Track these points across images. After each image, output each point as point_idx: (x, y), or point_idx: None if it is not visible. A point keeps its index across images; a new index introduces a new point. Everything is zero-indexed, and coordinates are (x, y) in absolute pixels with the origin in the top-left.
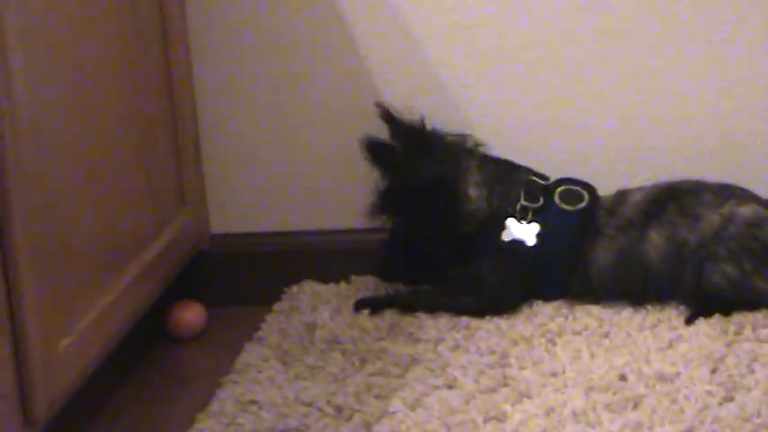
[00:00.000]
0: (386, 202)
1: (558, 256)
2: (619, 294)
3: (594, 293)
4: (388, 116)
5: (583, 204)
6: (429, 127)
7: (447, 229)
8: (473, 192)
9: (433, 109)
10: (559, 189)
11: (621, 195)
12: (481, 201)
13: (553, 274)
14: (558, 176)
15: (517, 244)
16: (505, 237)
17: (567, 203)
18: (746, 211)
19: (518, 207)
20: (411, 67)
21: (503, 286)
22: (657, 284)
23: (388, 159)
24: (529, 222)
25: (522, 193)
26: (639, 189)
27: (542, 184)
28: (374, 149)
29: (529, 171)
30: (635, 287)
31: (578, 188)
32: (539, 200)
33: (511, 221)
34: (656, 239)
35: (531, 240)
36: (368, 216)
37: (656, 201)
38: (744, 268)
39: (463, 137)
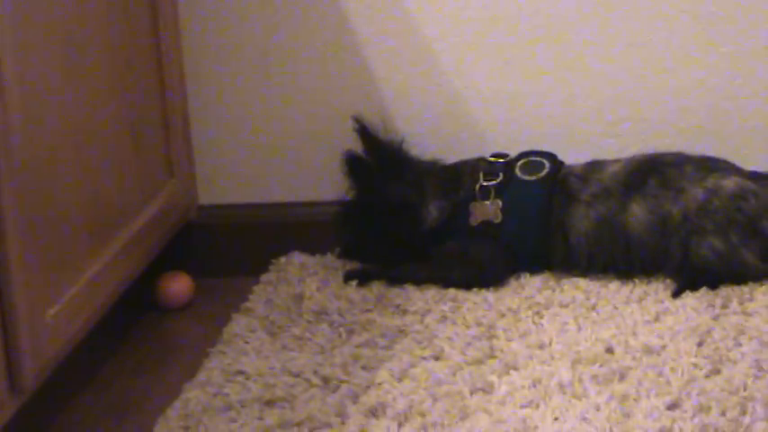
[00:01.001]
0: (350, 213)
1: (528, 225)
2: (602, 264)
3: (578, 263)
4: (363, 132)
5: (543, 174)
6: (404, 147)
7: (407, 241)
8: (434, 210)
9: (423, 83)
10: (520, 162)
11: (595, 165)
12: (442, 211)
13: (528, 243)
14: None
15: (486, 224)
16: (473, 221)
17: (526, 174)
18: (730, 183)
19: (477, 188)
20: (402, 42)
21: (488, 261)
22: (642, 256)
23: (363, 177)
24: (491, 201)
25: (481, 175)
26: (616, 160)
27: (501, 162)
28: (352, 165)
29: (485, 158)
30: (618, 257)
31: (539, 158)
32: (498, 177)
33: (473, 205)
34: (637, 211)
35: (497, 218)
36: (333, 226)
37: (636, 172)
38: (731, 241)
39: (433, 162)
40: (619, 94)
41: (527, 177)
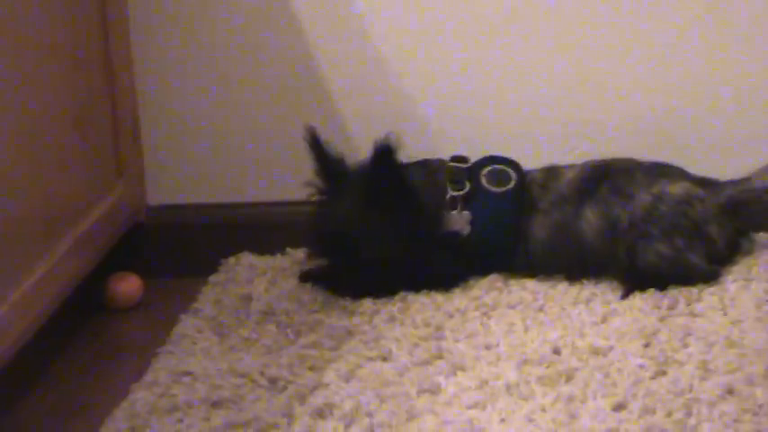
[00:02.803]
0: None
1: (497, 237)
2: (556, 270)
3: (534, 269)
4: (314, 142)
5: (511, 185)
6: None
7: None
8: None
9: (372, 83)
10: (484, 170)
11: (553, 171)
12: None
13: (494, 254)
14: (491, 152)
15: (454, 235)
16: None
17: (494, 185)
18: (677, 189)
19: (447, 198)
20: (351, 42)
21: (451, 275)
22: (593, 261)
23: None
24: (460, 212)
25: (449, 184)
26: (572, 166)
27: (464, 168)
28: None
29: (445, 161)
30: (572, 263)
31: (503, 167)
32: (464, 185)
33: (444, 216)
34: (590, 217)
35: (465, 229)
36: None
37: (589, 179)
38: (676, 245)
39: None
40: (572, 97)
41: (495, 189)
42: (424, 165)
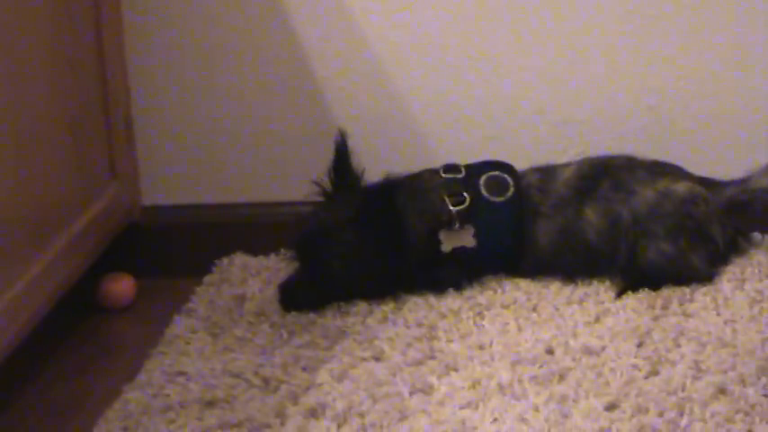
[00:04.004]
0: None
1: (501, 247)
2: (562, 272)
3: (540, 272)
4: (341, 147)
5: (510, 193)
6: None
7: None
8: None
9: (364, 82)
10: (483, 178)
11: (548, 172)
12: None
13: (500, 262)
14: (482, 150)
15: (458, 250)
16: (445, 248)
17: (494, 194)
18: (681, 188)
19: (446, 216)
20: (345, 41)
21: (457, 285)
22: (597, 261)
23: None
24: (461, 227)
25: (447, 198)
26: (566, 165)
27: (460, 179)
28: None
29: (438, 172)
30: (577, 265)
31: (500, 173)
32: (464, 198)
33: (443, 234)
34: (591, 216)
35: (470, 243)
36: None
37: (587, 176)
38: (679, 245)
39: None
40: (560, 96)
41: (496, 199)
42: (414, 182)
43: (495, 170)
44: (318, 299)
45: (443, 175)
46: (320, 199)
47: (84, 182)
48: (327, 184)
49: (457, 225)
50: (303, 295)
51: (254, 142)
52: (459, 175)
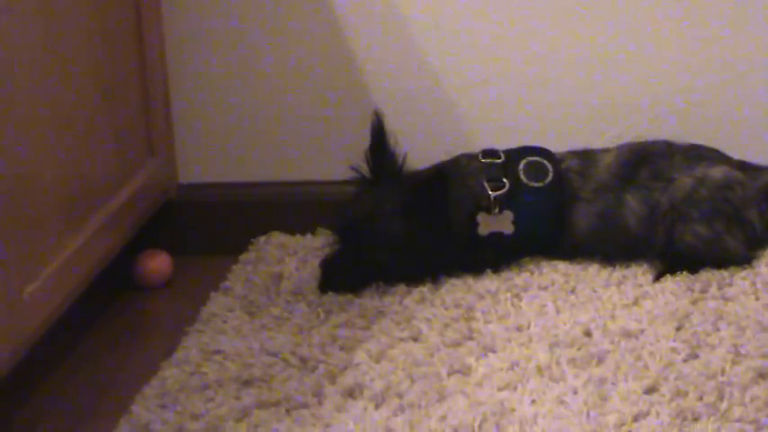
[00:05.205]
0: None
1: (541, 232)
2: (600, 256)
3: (578, 256)
4: (377, 129)
5: (550, 178)
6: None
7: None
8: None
9: (400, 62)
10: (522, 163)
11: (587, 156)
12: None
13: (537, 246)
14: (519, 135)
15: (496, 235)
16: (482, 231)
17: (533, 180)
18: (718, 173)
19: (485, 201)
20: (383, 22)
21: (495, 268)
22: (636, 247)
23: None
24: (501, 212)
25: (486, 183)
26: (605, 150)
27: (499, 164)
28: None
29: (475, 156)
30: (616, 250)
31: (539, 158)
32: (503, 183)
33: (481, 216)
34: (632, 203)
35: (508, 229)
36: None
37: (628, 164)
38: (715, 228)
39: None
40: (595, 80)
41: (535, 184)
42: (453, 167)
43: (534, 155)
44: (359, 282)
45: (482, 160)
46: (361, 182)
47: (122, 158)
48: (365, 169)
49: (496, 210)
50: (345, 278)
51: (292, 121)
52: (499, 161)
